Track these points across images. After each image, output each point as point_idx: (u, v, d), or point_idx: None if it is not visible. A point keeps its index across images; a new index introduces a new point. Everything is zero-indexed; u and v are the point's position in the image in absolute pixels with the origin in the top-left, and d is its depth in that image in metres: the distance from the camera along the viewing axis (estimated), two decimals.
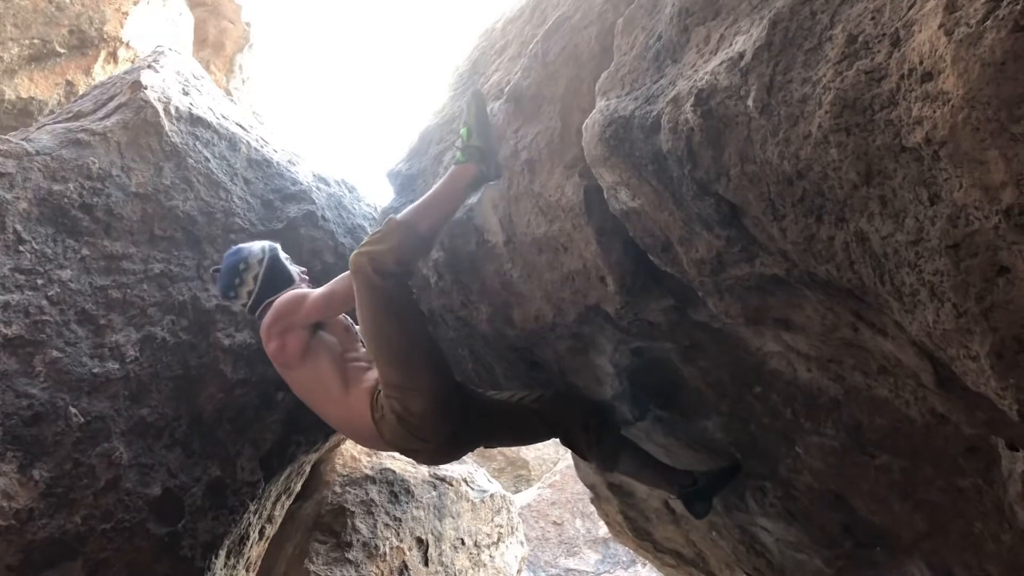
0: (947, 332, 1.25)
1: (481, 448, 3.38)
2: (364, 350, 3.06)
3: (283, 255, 3.29)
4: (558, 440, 3.22)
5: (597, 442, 3.10)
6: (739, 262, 1.84)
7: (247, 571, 4.28)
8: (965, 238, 1.14)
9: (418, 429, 2.79)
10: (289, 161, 4.57)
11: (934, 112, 1.11)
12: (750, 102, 1.46)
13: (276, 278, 3.18)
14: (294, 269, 3.29)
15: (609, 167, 2.01)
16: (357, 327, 3.14)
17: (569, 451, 4.16)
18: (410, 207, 2.82)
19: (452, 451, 3.12)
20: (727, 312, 2.08)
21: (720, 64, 1.54)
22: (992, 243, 1.10)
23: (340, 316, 3.19)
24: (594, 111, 2.05)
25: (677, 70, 1.78)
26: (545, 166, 2.53)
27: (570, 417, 3.11)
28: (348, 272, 2.87)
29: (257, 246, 3.24)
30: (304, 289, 3.12)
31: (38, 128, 3.82)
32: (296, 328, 2.96)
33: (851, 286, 1.50)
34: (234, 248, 3.27)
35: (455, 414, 2.88)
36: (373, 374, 2.90)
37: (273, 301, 3.08)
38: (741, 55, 1.48)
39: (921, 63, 1.13)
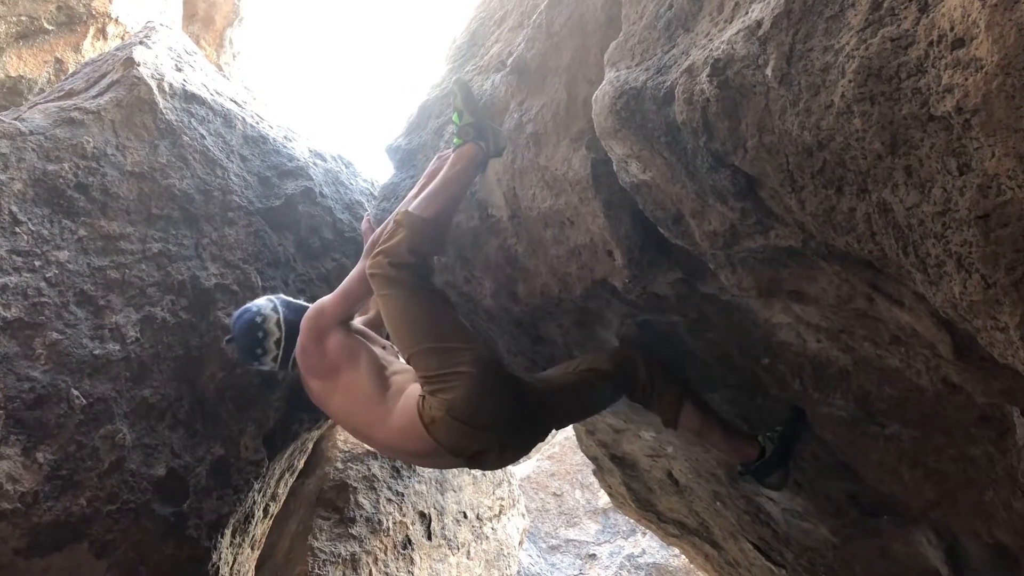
0: (974, 303, 1.24)
1: None
2: (402, 360, 2.85)
3: (291, 301, 3.13)
4: (627, 397, 2.96)
5: (657, 395, 2.87)
6: (753, 234, 1.82)
7: (252, 549, 4.29)
8: (996, 208, 1.12)
9: (472, 417, 2.52)
10: (285, 137, 4.52)
11: (966, 80, 1.09)
12: (769, 72, 1.43)
13: (296, 331, 2.96)
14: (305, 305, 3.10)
15: (620, 139, 1.98)
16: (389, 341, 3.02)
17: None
18: (421, 197, 2.76)
19: (520, 440, 2.82)
20: (739, 284, 2.06)
21: (737, 33, 1.50)
22: None
23: (375, 336, 3.07)
24: (603, 82, 2.01)
25: (690, 39, 1.75)
26: (551, 139, 2.50)
27: (630, 369, 2.86)
28: (358, 265, 2.86)
29: (268, 307, 3.05)
30: (312, 308, 2.94)
31: (30, 107, 3.76)
32: (330, 329, 2.83)
33: (872, 258, 1.48)
34: (242, 314, 3.08)
35: (504, 390, 2.62)
36: (416, 385, 2.67)
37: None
38: (759, 23, 1.45)
39: (952, 29, 1.10)
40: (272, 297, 3.12)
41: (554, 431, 3.09)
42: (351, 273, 2.92)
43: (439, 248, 2.87)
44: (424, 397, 2.56)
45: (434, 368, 2.54)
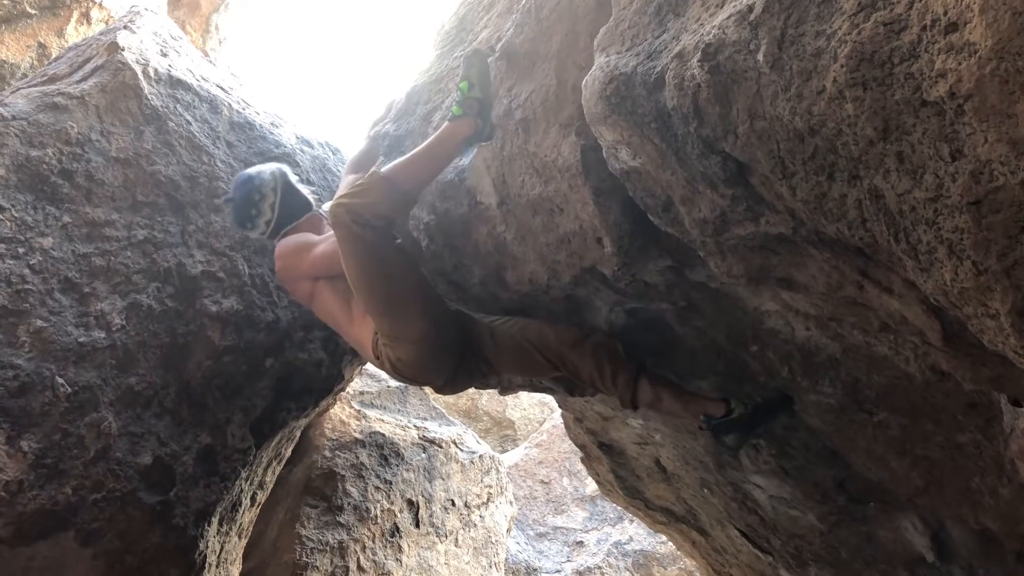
0: (965, 290, 1.23)
1: (465, 408, 3.43)
2: None
3: (293, 177, 3.30)
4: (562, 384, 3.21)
5: (611, 382, 2.80)
6: (743, 221, 1.81)
7: (239, 537, 4.28)
8: (988, 194, 1.12)
9: (415, 375, 2.88)
10: (272, 123, 4.49)
11: (959, 64, 1.08)
12: (760, 57, 1.42)
13: (292, 205, 3.22)
14: (306, 191, 3.31)
15: (609, 125, 1.96)
16: None
17: (558, 411, 4.12)
18: (398, 160, 2.76)
19: (459, 384, 3.14)
20: (729, 272, 2.05)
21: (728, 17, 1.49)
22: (1017, 199, 1.08)
23: None
24: (593, 68, 2.00)
25: (681, 24, 1.73)
26: (540, 125, 2.48)
27: (575, 365, 2.84)
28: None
29: (267, 172, 3.23)
30: (300, 239, 3.11)
31: (12, 92, 3.71)
32: (302, 277, 3.07)
33: (862, 244, 1.48)
34: (243, 176, 3.27)
35: (448, 360, 2.90)
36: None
37: (290, 230, 3.18)
38: (750, 8, 1.43)
39: (945, 13, 1.09)
40: (278, 173, 3.26)
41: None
42: (330, 249, 2.95)
43: (404, 216, 3.06)
44: (377, 338, 2.83)
45: (385, 329, 2.77)
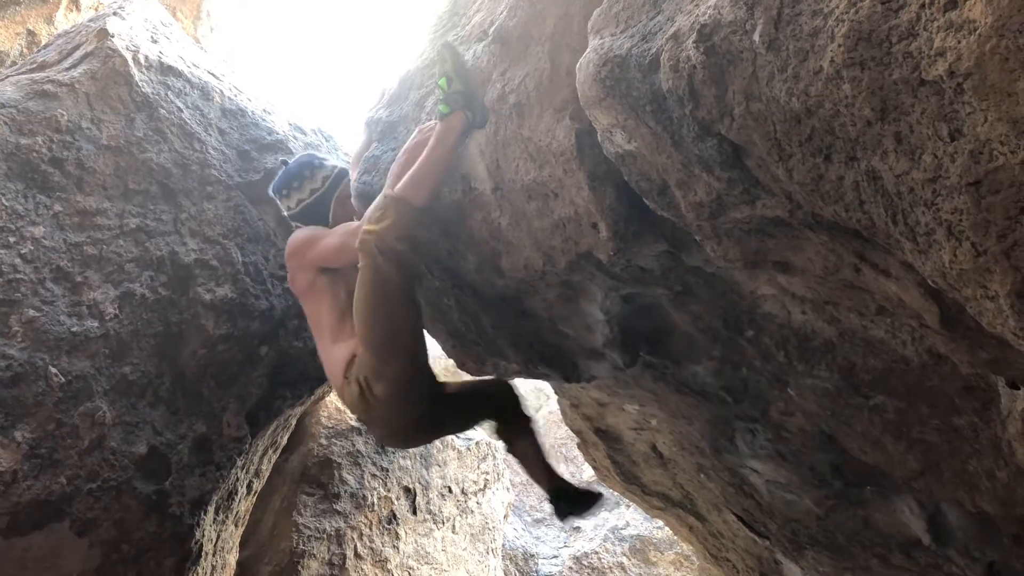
0: (964, 272, 1.22)
1: None
2: None
3: (341, 192, 3.32)
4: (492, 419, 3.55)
5: (509, 428, 3.51)
6: (740, 204, 1.80)
7: (236, 526, 4.28)
8: (987, 174, 1.10)
9: (375, 411, 2.90)
10: (264, 110, 4.46)
11: (958, 42, 1.06)
12: (756, 37, 1.40)
13: (312, 214, 3.27)
14: (342, 213, 3.31)
15: (604, 108, 1.95)
16: None
17: (554, 397, 4.27)
18: (406, 178, 2.78)
19: (403, 441, 3.49)
20: (725, 256, 2.04)
21: None
22: (1017, 179, 1.06)
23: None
24: (587, 50, 1.98)
25: (676, 5, 1.71)
26: (534, 109, 2.46)
27: (508, 404, 3.50)
28: (344, 240, 3.00)
29: (330, 165, 3.32)
30: (311, 231, 3.16)
31: (1, 80, 3.68)
32: (306, 268, 3.09)
33: (859, 227, 1.46)
34: (308, 158, 3.36)
35: (414, 408, 2.99)
36: (354, 344, 2.95)
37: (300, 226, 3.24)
38: None
39: None
40: (337, 173, 3.34)
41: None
42: (339, 240, 3.02)
43: (427, 228, 3.04)
44: (355, 361, 2.86)
45: (369, 361, 2.80)
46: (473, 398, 3.43)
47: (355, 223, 2.98)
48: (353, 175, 3.58)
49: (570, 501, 3.49)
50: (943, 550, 2.71)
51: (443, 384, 3.33)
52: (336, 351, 2.99)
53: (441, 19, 3.39)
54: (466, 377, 3.60)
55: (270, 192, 3.51)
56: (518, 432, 3.54)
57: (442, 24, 3.35)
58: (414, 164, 2.81)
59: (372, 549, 5.73)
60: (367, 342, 2.78)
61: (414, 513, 6.24)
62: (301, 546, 5.27)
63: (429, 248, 3.33)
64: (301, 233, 3.17)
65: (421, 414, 3.04)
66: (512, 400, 3.54)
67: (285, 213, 3.34)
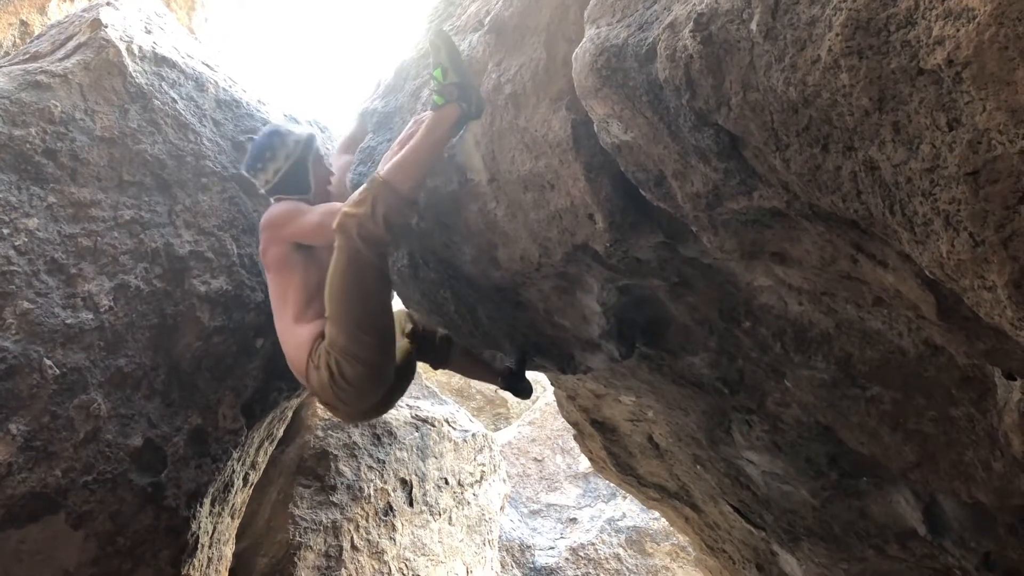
0: (962, 262, 1.21)
1: (457, 387, 3.59)
2: None
3: (314, 155, 3.26)
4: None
5: (432, 342, 3.60)
6: (736, 195, 1.79)
7: (232, 518, 4.27)
8: (986, 164, 1.09)
9: (344, 393, 2.85)
10: (259, 101, 4.44)
11: (957, 31, 1.05)
12: (754, 26, 1.39)
13: (293, 181, 3.20)
14: (321, 172, 3.27)
15: (600, 99, 1.93)
16: None
17: (551, 389, 4.31)
18: (393, 162, 2.75)
19: (368, 416, 3.42)
20: (722, 247, 2.03)
21: None
22: (1015, 169, 1.06)
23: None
24: (584, 40, 1.96)
25: None
26: (530, 100, 2.45)
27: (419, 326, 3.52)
28: (323, 219, 2.95)
29: (292, 139, 3.21)
30: (296, 205, 3.10)
31: None
32: (280, 242, 3.03)
33: (857, 217, 1.46)
34: (273, 128, 3.28)
35: (383, 387, 2.97)
36: (320, 325, 2.92)
37: (283, 198, 3.18)
38: None
39: None
40: (302, 144, 3.22)
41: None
42: (319, 219, 2.98)
43: (410, 217, 3.01)
44: (322, 344, 2.82)
45: (340, 343, 2.75)
46: (412, 358, 3.45)
47: (338, 204, 2.93)
48: (337, 163, 3.58)
49: (518, 385, 3.83)
50: (939, 541, 2.71)
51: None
52: (300, 330, 2.96)
53: (437, 9, 3.37)
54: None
55: (243, 171, 3.46)
56: (444, 350, 3.66)
57: (438, 14, 3.34)
58: None
59: (369, 541, 5.73)
60: (340, 324, 2.74)
61: (410, 505, 6.25)
62: (297, 538, 5.27)
63: (415, 236, 3.32)
64: (282, 206, 3.12)
65: (389, 390, 3.04)
66: (424, 326, 3.60)
67: (263, 189, 3.26)
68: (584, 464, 9.77)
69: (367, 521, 5.75)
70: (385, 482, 5.99)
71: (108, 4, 3.96)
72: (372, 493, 5.84)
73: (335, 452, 5.69)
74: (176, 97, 3.90)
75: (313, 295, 2.98)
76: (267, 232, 3.09)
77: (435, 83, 2.71)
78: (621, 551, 9.14)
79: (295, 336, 2.98)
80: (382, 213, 2.61)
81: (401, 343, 3.28)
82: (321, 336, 2.85)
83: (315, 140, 3.26)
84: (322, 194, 3.26)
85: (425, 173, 2.85)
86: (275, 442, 4.82)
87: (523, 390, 3.88)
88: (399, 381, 3.17)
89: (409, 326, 3.50)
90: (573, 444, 7.40)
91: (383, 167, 2.80)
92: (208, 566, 3.86)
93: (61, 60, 3.65)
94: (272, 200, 3.27)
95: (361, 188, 2.73)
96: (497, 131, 2.66)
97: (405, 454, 6.27)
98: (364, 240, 2.61)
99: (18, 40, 5.54)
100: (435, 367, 3.77)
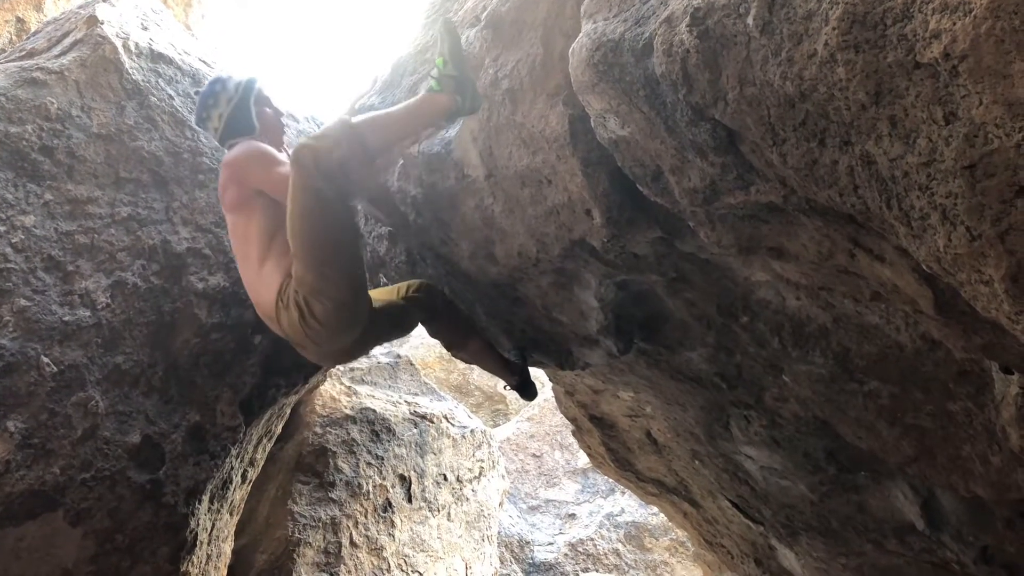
0: (959, 256, 1.21)
1: (456, 383, 3.50)
2: None
3: (257, 96, 3.16)
4: (423, 322, 3.42)
5: (455, 326, 3.47)
6: (734, 190, 1.79)
7: (231, 515, 4.27)
8: (982, 158, 1.09)
9: (315, 332, 2.76)
10: None
11: (953, 24, 1.05)
12: (750, 20, 1.39)
13: (238, 122, 3.09)
14: (268, 114, 3.17)
15: (597, 93, 1.93)
16: None
17: (549, 385, 4.26)
18: (370, 114, 2.71)
19: (342, 358, 3.25)
20: (719, 242, 2.03)
21: None
22: (1012, 162, 1.06)
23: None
24: (580, 35, 1.96)
25: None
26: (527, 95, 2.45)
27: (442, 303, 3.41)
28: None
29: (232, 83, 3.12)
30: (268, 149, 2.95)
31: None
32: (242, 184, 2.90)
33: (854, 212, 1.46)
34: (214, 77, 3.18)
35: (356, 328, 2.87)
36: (287, 264, 2.80)
37: (237, 142, 3.04)
38: None
39: None
40: (241, 88, 3.12)
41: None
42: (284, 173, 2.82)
43: (366, 172, 2.95)
44: (290, 283, 2.73)
45: (308, 281, 2.65)
46: (405, 308, 3.31)
47: None
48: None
49: (525, 386, 3.81)
50: (937, 535, 2.71)
51: (377, 302, 3.31)
52: (266, 272, 2.85)
53: (435, 5, 3.37)
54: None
55: (195, 126, 3.46)
56: (463, 335, 3.55)
57: (435, 9, 3.33)
58: None
59: (368, 537, 5.74)
60: (304, 259, 2.63)
61: (409, 501, 6.25)
62: (296, 534, 5.27)
63: (413, 232, 3.31)
64: (250, 146, 2.95)
65: (362, 330, 2.92)
66: (446, 303, 3.48)
67: (216, 139, 3.16)
68: (583, 460, 9.78)
69: (366, 517, 5.76)
70: (384, 478, 5.99)
71: (104, 1, 3.95)
72: (371, 489, 5.84)
73: (334, 449, 5.69)
74: (173, 94, 3.89)
75: (276, 234, 2.85)
76: (229, 170, 2.93)
77: (436, 70, 2.69)
78: (620, 546, 9.15)
79: (262, 277, 2.88)
80: (339, 156, 2.50)
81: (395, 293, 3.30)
82: (290, 276, 2.75)
83: (256, 83, 3.15)
84: (274, 138, 3.16)
85: (395, 141, 2.80)
86: (273, 439, 4.82)
87: (529, 392, 3.86)
88: (378, 326, 3.08)
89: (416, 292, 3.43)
90: (572, 440, 7.41)
91: (358, 118, 2.71)
92: (207, 563, 3.86)
93: (57, 57, 3.64)
94: (226, 149, 3.15)
95: (326, 125, 2.64)
96: (494, 127, 2.66)
97: (404, 450, 6.27)
98: (320, 172, 2.49)
99: (14, 37, 5.53)
100: (450, 349, 3.64)
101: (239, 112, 3.08)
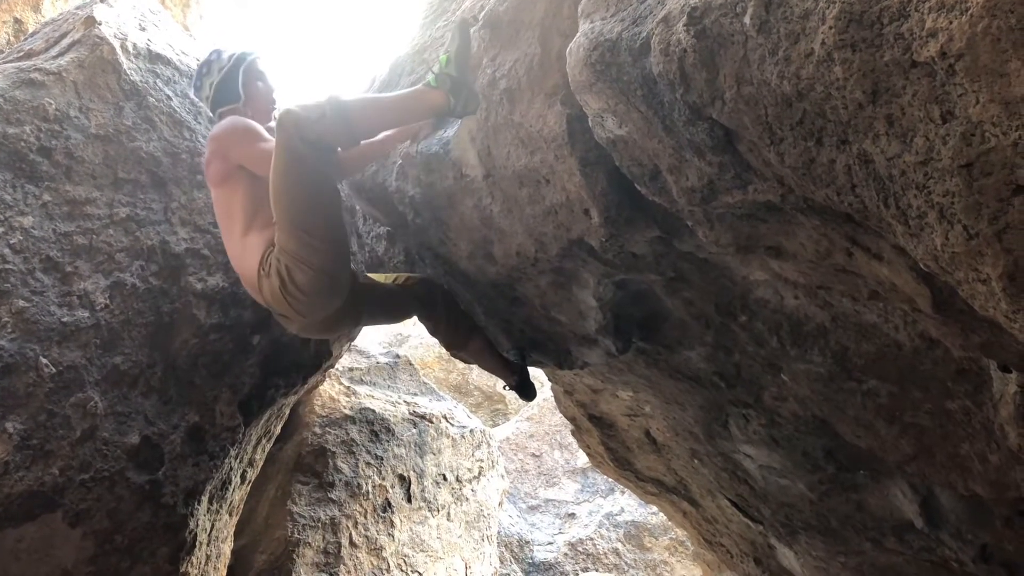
0: (956, 255, 1.22)
1: (455, 383, 3.49)
2: None
3: (248, 67, 3.18)
4: (421, 318, 3.47)
5: (455, 325, 3.49)
6: (731, 189, 1.79)
7: (230, 515, 4.27)
8: (979, 156, 1.09)
9: (297, 301, 2.76)
10: None
11: (950, 23, 1.05)
12: (747, 19, 1.39)
13: (225, 92, 3.15)
14: (257, 86, 3.20)
15: (595, 93, 1.93)
16: None
17: (548, 384, 4.25)
18: (361, 96, 2.73)
19: (324, 331, 3.27)
20: (717, 241, 2.03)
21: None
22: (1009, 161, 1.06)
23: None
24: (578, 34, 1.96)
25: None
26: (525, 95, 2.45)
27: (442, 300, 3.44)
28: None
29: (226, 55, 3.19)
30: (252, 125, 2.95)
31: None
32: (226, 159, 2.91)
33: (851, 210, 1.46)
34: (212, 49, 3.26)
35: (337, 298, 2.87)
36: (271, 233, 2.80)
37: (227, 110, 3.12)
38: None
39: None
40: (234, 60, 3.18)
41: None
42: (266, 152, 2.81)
43: (349, 156, 3.09)
44: (272, 251, 2.73)
45: (290, 248, 2.65)
46: (401, 295, 3.36)
47: None
48: None
49: (525, 386, 3.87)
50: (936, 533, 2.72)
51: (367, 279, 3.37)
52: (249, 242, 2.86)
53: (433, 5, 3.37)
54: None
55: (193, 97, 3.51)
56: (463, 335, 3.56)
57: (433, 10, 3.34)
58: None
59: (367, 537, 5.73)
60: (286, 226, 2.62)
61: (409, 501, 6.25)
62: (296, 535, 5.27)
63: (411, 232, 3.31)
64: (235, 121, 2.96)
65: (344, 302, 2.92)
66: (447, 301, 3.51)
67: (210, 111, 3.21)
68: (582, 459, 9.78)
69: (365, 517, 5.76)
70: (383, 478, 5.99)
71: (102, 1, 3.95)
72: (370, 489, 5.84)
73: (333, 449, 5.69)
74: (171, 94, 3.89)
75: (259, 207, 2.85)
76: (213, 144, 2.93)
77: (437, 65, 2.70)
78: (619, 546, 9.16)
79: (244, 247, 2.88)
80: (321, 129, 2.50)
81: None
82: (272, 244, 2.75)
83: (249, 55, 3.19)
84: (262, 112, 3.17)
85: (381, 127, 2.84)
86: (273, 439, 4.81)
87: (528, 391, 3.90)
88: (362, 303, 3.11)
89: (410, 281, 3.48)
90: (571, 439, 7.41)
91: (349, 96, 2.70)
92: (206, 563, 3.86)
93: (55, 58, 3.64)
94: (216, 118, 3.21)
95: (316, 99, 2.62)
96: (492, 127, 2.66)
97: (403, 450, 6.27)
98: (301, 139, 2.49)
99: (12, 38, 5.53)
100: (450, 348, 3.67)
101: (227, 80, 3.14)
